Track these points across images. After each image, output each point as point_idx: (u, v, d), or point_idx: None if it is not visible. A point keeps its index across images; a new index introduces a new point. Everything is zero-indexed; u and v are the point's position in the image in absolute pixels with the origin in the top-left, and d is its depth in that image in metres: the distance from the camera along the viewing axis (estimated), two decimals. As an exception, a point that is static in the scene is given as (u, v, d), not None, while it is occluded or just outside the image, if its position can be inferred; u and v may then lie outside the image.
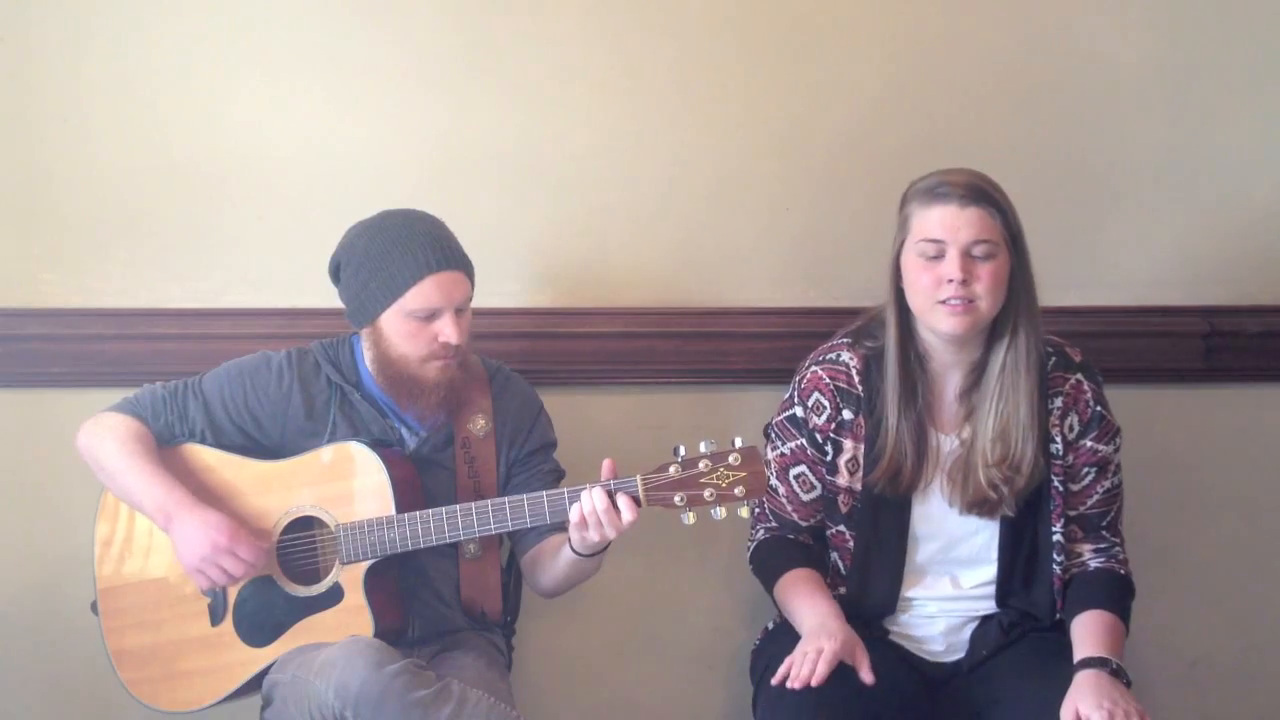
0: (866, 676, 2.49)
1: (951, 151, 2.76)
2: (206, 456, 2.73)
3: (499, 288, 3.01)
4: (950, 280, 2.54)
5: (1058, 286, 3.04)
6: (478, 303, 2.73)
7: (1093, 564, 2.68)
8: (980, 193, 2.57)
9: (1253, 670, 3.24)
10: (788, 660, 2.50)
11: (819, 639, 2.51)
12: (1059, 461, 2.66)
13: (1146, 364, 3.13)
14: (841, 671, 2.50)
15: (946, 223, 2.56)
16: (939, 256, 2.56)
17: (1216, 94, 3.12)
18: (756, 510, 2.76)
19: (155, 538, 2.72)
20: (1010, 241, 2.59)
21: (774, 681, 2.49)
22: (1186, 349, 3.13)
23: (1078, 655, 2.54)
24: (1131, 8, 3.11)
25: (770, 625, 2.82)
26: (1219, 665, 3.23)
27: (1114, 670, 2.50)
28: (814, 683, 2.44)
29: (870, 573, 2.69)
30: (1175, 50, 3.11)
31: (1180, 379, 3.16)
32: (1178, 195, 3.14)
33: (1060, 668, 2.54)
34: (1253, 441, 3.19)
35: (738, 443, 2.47)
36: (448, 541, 2.61)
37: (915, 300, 2.61)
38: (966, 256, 2.55)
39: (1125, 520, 2.78)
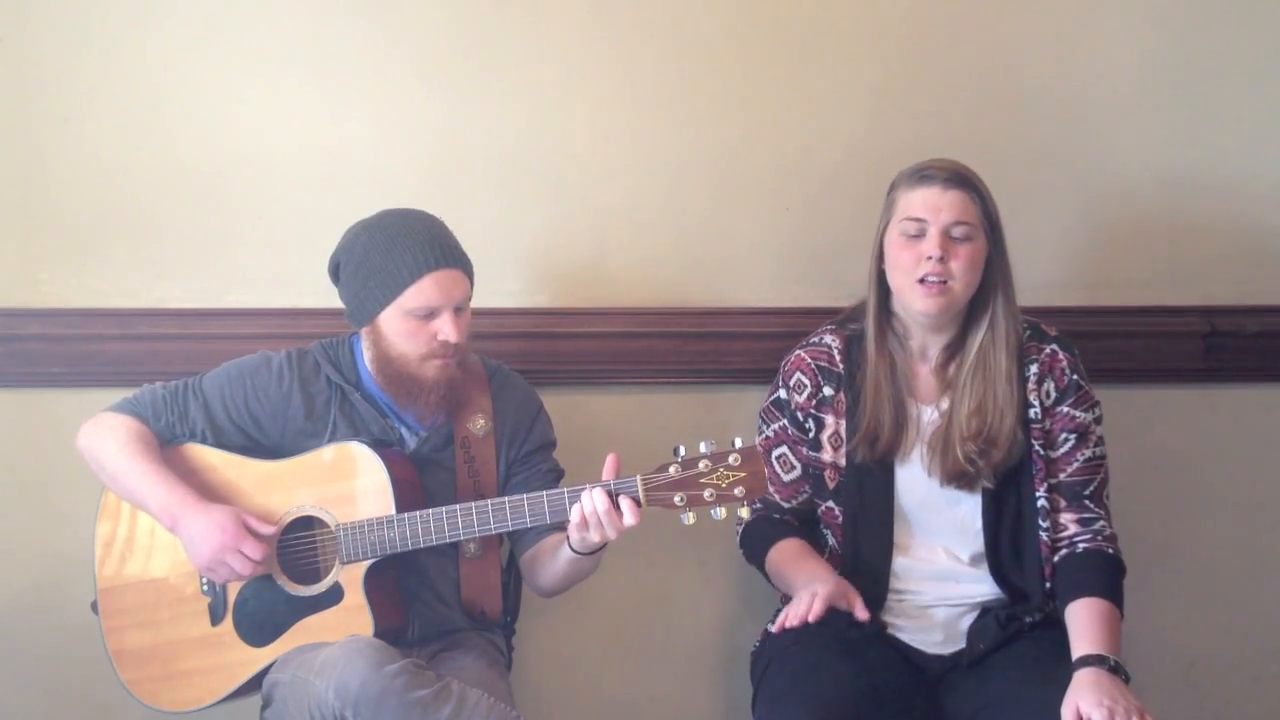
0: (861, 614, 2.56)
1: (950, 152, 2.76)
2: (207, 456, 2.73)
3: (499, 288, 3.01)
4: (929, 257, 2.64)
5: (1058, 286, 3.06)
6: (477, 303, 2.74)
7: (1081, 544, 2.69)
8: (962, 178, 2.68)
9: (1253, 670, 3.24)
10: (784, 611, 2.57)
11: (812, 586, 2.58)
12: (1037, 426, 2.72)
13: (1146, 364, 3.14)
14: (840, 673, 2.52)
15: (929, 203, 2.66)
16: (920, 235, 2.66)
17: (1216, 94, 3.12)
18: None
19: (156, 538, 2.72)
20: (988, 229, 2.69)
21: (774, 629, 2.57)
22: (1186, 349, 3.14)
23: (1076, 651, 2.55)
24: (1131, 8, 3.11)
25: (769, 627, 2.81)
26: (1219, 665, 3.23)
27: (1113, 667, 2.51)
28: (810, 619, 2.50)
29: (860, 544, 2.73)
30: (1175, 50, 3.12)
31: (1180, 379, 3.17)
32: (1177, 195, 3.14)
33: (1059, 667, 2.54)
34: (1253, 441, 3.20)
35: (737, 443, 2.47)
36: (447, 541, 2.61)
37: (895, 278, 2.70)
38: (946, 236, 2.65)
39: (1126, 520, 2.78)
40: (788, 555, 2.74)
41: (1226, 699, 3.24)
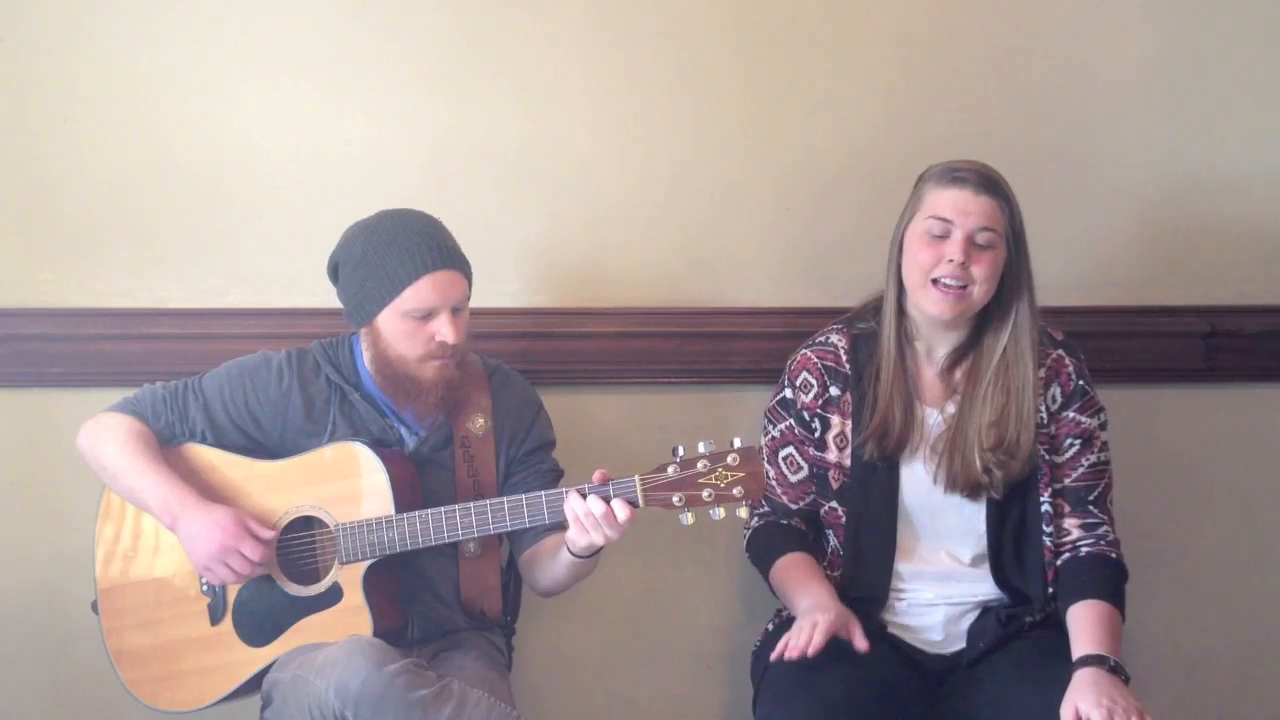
0: (860, 644, 2.53)
1: (951, 152, 2.76)
2: (207, 456, 2.73)
3: (499, 288, 3.01)
4: (950, 260, 2.62)
5: (1058, 286, 3.05)
6: (477, 302, 2.74)
7: (1084, 548, 2.69)
8: (994, 184, 2.66)
9: (1253, 670, 3.24)
10: (784, 638, 2.54)
11: (813, 615, 2.55)
12: (1044, 431, 2.71)
13: (1146, 364, 3.14)
14: (841, 672, 2.52)
15: (959, 205, 2.64)
16: (944, 236, 2.64)
17: (1216, 94, 3.12)
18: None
19: (156, 538, 2.72)
20: (1012, 238, 2.66)
21: (772, 658, 2.53)
22: (1186, 349, 3.14)
23: (1076, 652, 2.55)
24: (1131, 8, 3.11)
25: (770, 626, 2.82)
26: (1219, 665, 3.23)
27: (1112, 667, 2.51)
28: (810, 652, 2.48)
29: (863, 546, 2.73)
30: (1175, 50, 3.12)
31: (1180, 379, 3.17)
32: (1178, 195, 3.14)
33: (1059, 667, 2.54)
34: (1253, 441, 3.20)
35: (736, 443, 2.47)
36: (446, 541, 2.61)
37: (911, 275, 2.67)
38: (970, 241, 2.63)
39: (1126, 520, 2.78)
40: (793, 574, 2.71)
41: (1226, 699, 3.24)
